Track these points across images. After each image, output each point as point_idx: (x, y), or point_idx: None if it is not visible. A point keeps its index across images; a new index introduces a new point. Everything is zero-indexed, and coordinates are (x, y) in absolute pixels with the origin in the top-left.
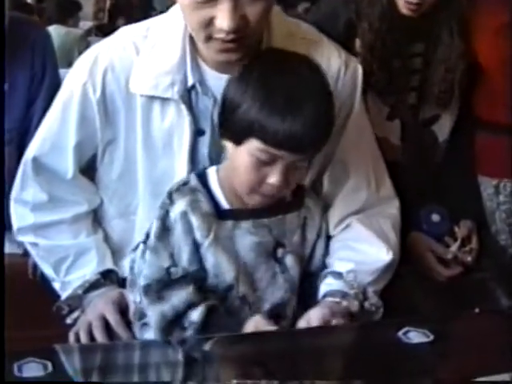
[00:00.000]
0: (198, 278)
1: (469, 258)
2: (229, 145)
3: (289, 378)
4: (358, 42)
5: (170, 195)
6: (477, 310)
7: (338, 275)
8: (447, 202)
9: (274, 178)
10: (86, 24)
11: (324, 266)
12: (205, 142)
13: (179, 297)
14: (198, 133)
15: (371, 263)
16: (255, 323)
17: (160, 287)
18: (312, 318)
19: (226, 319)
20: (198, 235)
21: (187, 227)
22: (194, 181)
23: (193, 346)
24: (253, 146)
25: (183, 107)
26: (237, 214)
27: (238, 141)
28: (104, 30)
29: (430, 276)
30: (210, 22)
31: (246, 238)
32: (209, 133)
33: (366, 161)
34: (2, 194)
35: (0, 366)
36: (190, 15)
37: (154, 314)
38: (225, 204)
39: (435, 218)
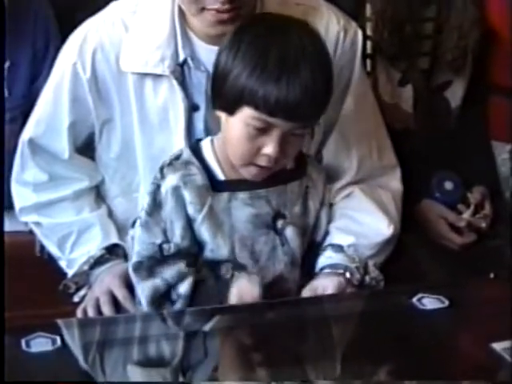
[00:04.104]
0: (191, 253)
1: (483, 225)
2: (222, 115)
3: (297, 348)
4: (368, 8)
5: (161, 170)
6: (492, 275)
7: (339, 248)
8: (460, 169)
9: (269, 148)
10: None
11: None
12: (200, 118)
13: (171, 272)
14: (192, 108)
15: (371, 237)
16: (238, 289)
17: (151, 264)
18: (320, 287)
19: (215, 290)
20: (191, 210)
21: (179, 202)
22: (186, 154)
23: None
24: (245, 114)
25: (175, 83)
26: (233, 185)
27: (231, 111)
28: None
29: (442, 245)
30: None
31: (242, 209)
32: (203, 108)
33: (368, 129)
34: (1, 175)
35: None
36: None
37: (146, 288)
38: (220, 175)
39: (448, 185)
